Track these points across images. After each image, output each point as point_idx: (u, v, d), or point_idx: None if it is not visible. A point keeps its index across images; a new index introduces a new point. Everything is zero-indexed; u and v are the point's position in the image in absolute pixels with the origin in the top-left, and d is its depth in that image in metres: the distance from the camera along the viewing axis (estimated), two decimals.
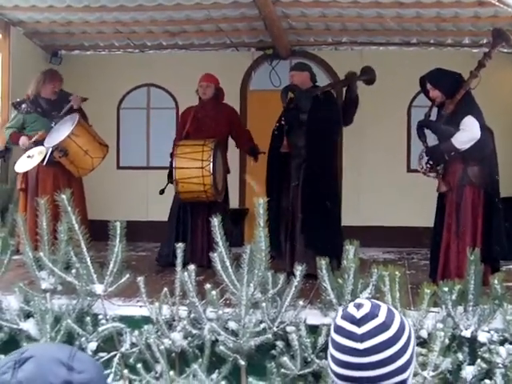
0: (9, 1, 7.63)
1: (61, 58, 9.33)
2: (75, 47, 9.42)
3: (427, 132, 5.95)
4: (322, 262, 4.61)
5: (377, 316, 1.64)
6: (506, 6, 6.03)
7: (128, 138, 9.57)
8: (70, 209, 4.84)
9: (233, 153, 7.61)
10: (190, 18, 8.14)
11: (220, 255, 4.66)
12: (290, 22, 8.22)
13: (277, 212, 6.25)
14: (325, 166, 6.44)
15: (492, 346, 4.49)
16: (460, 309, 4.60)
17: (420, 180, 6.42)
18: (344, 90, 6.94)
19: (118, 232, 4.85)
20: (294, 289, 4.67)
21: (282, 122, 6.51)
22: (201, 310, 4.71)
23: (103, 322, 4.88)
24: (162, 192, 6.81)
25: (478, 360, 4.48)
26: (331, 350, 1.67)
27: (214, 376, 4.60)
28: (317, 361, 4.55)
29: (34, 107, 6.95)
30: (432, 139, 5.95)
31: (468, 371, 4.47)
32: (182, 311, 4.78)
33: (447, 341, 4.38)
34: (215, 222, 4.66)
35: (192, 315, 4.76)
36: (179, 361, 4.75)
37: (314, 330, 4.64)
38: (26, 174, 6.86)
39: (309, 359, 4.58)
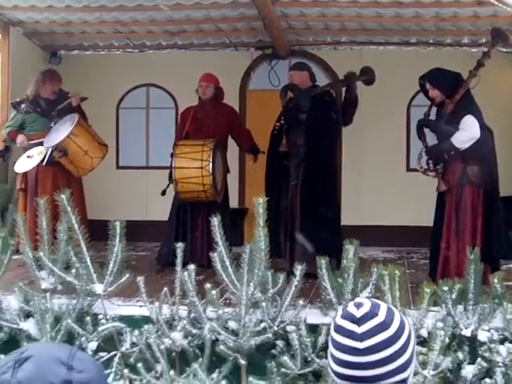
0: (8, 1, 7.63)
1: (60, 58, 9.33)
2: (74, 47, 9.42)
3: (427, 131, 5.96)
4: (322, 262, 4.61)
5: (377, 315, 1.64)
6: (505, 5, 6.04)
7: (127, 137, 9.57)
8: (69, 208, 4.84)
9: (232, 152, 7.62)
10: (189, 17, 8.14)
11: (220, 255, 4.66)
12: (289, 21, 8.22)
13: (276, 211, 6.25)
14: (324, 165, 6.44)
15: (492, 345, 4.49)
16: (460, 308, 4.60)
17: (419, 179, 6.42)
18: (343, 90, 6.95)
19: (118, 232, 4.85)
20: (293, 288, 4.67)
21: (282, 122, 6.51)
22: (201, 310, 4.71)
23: (103, 321, 4.88)
24: (163, 193, 6.81)
25: (479, 359, 4.48)
26: (331, 349, 1.67)
27: (215, 375, 4.60)
28: (317, 360, 4.55)
29: (33, 107, 6.95)
30: (431, 138, 5.95)
31: (468, 370, 4.47)
32: (182, 311, 4.78)
33: (447, 340, 4.38)
34: (215, 221, 4.67)
35: (192, 315, 4.77)
36: (179, 360, 4.75)
37: (314, 329, 4.64)
38: (25, 174, 6.86)
39: (309, 358, 4.58)
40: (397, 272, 4.42)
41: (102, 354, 4.80)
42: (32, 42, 8.99)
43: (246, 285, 4.62)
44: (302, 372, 4.57)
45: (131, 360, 4.76)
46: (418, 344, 4.25)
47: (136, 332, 4.76)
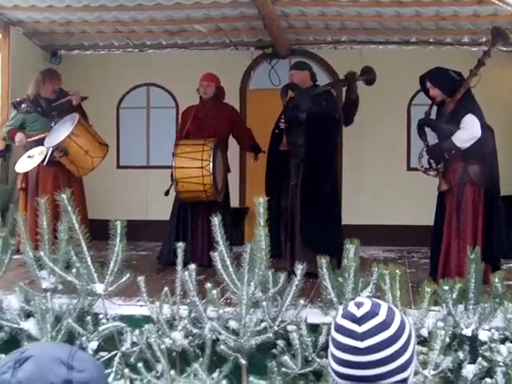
0: (8, 0, 7.63)
1: (60, 58, 9.33)
2: (75, 47, 9.42)
3: (427, 131, 5.95)
4: (323, 261, 4.61)
5: (377, 314, 1.64)
6: (505, 4, 6.04)
7: (128, 137, 9.57)
8: (70, 208, 4.84)
9: (233, 152, 7.62)
10: (189, 17, 8.14)
11: (220, 254, 4.66)
12: (289, 20, 8.22)
13: (277, 211, 6.25)
14: (324, 164, 6.44)
15: (493, 345, 4.49)
16: (461, 307, 4.60)
17: (420, 178, 6.42)
18: (344, 90, 6.94)
19: (119, 231, 4.85)
20: (294, 288, 4.66)
21: (282, 121, 6.51)
22: (201, 309, 4.71)
23: (104, 321, 4.88)
24: (167, 193, 6.80)
25: (479, 358, 4.48)
26: (332, 348, 1.67)
27: (215, 375, 4.60)
28: (317, 360, 4.55)
29: (33, 107, 6.95)
30: (432, 138, 5.95)
31: (469, 370, 4.47)
32: (183, 310, 4.78)
33: (448, 339, 4.37)
34: (215, 221, 4.67)
35: (193, 314, 4.77)
36: (180, 360, 4.75)
37: (314, 328, 4.64)
38: (26, 174, 6.86)
39: (309, 358, 4.58)
40: (397, 271, 4.42)
41: (102, 353, 4.80)
42: (32, 42, 9.00)
43: (247, 284, 4.62)
44: (302, 372, 4.57)
45: (132, 360, 4.76)
46: (418, 343, 4.25)
47: (136, 332, 4.76)
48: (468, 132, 5.61)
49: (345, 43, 9.02)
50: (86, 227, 4.99)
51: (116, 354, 4.80)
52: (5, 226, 6.61)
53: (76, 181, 6.89)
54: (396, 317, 1.66)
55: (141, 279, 4.78)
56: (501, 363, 4.43)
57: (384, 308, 1.66)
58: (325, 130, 6.38)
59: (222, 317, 4.68)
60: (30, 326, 4.83)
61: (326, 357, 3.91)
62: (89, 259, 4.88)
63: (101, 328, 4.81)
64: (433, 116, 5.98)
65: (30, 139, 6.79)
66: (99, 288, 4.87)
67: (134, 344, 4.79)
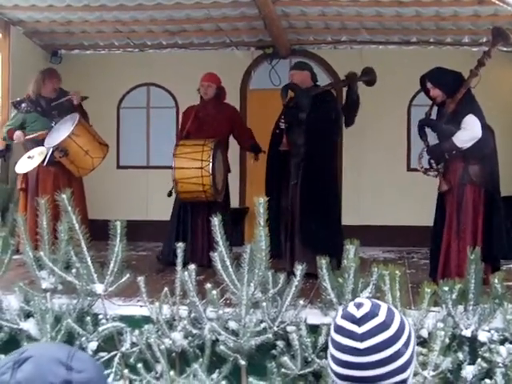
0: (9, 0, 7.63)
1: (61, 58, 9.33)
2: (75, 46, 9.42)
3: (428, 131, 5.95)
4: (323, 262, 4.61)
5: (377, 315, 1.64)
6: (505, 4, 6.03)
7: (128, 137, 9.57)
8: (70, 208, 4.84)
9: (233, 152, 7.61)
10: (189, 17, 8.14)
11: (220, 255, 4.66)
12: (289, 20, 8.22)
13: (277, 211, 6.25)
14: (324, 164, 6.44)
15: (492, 346, 4.49)
16: (460, 308, 4.59)
17: (420, 179, 6.42)
18: (345, 90, 6.93)
19: (119, 231, 4.85)
20: (294, 288, 4.66)
21: (282, 121, 6.52)
22: (201, 310, 4.71)
23: (103, 321, 4.88)
24: (169, 194, 6.80)
25: (479, 359, 4.48)
26: (331, 349, 1.67)
27: (215, 376, 4.60)
28: (317, 360, 4.55)
29: (33, 106, 6.95)
30: (433, 138, 5.95)
31: (468, 371, 4.47)
32: (183, 311, 4.78)
33: (447, 340, 4.37)
34: (215, 221, 4.66)
35: (192, 315, 4.76)
36: (180, 360, 4.75)
37: (314, 329, 4.64)
38: (26, 174, 6.86)
39: (309, 359, 4.58)
40: (397, 272, 4.42)
41: (102, 354, 4.80)
42: (32, 42, 9.00)
43: (247, 285, 4.62)
44: (302, 372, 4.56)
45: (131, 360, 4.76)
46: (418, 344, 4.25)
47: (136, 332, 4.76)
48: (469, 132, 5.61)
49: (345, 43, 9.02)
50: (85, 227, 4.99)
51: (116, 355, 4.80)
52: (5, 226, 6.61)
53: (76, 181, 6.89)
54: (396, 317, 1.66)
55: (140, 279, 4.78)
56: (500, 364, 4.43)
57: (384, 309, 1.66)
58: (325, 130, 6.38)
59: (221, 317, 4.68)
60: (29, 326, 4.83)
61: (326, 357, 3.90)
62: (89, 259, 4.88)
63: (100, 328, 4.81)
64: (433, 116, 5.98)
65: (28, 137, 6.80)
66: (99, 288, 4.87)
67: (133, 344, 4.78)
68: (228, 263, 4.65)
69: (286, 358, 4.55)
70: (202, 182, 6.55)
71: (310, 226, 6.26)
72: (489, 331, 4.55)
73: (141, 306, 4.93)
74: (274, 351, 4.67)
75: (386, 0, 7.20)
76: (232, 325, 4.66)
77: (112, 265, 4.86)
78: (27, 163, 6.69)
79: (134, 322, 4.87)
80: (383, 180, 9.01)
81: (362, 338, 1.62)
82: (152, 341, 4.66)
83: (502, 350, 4.46)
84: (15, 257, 5.36)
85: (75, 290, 4.97)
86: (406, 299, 4.59)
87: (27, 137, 6.79)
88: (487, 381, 4.44)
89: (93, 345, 4.77)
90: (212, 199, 6.68)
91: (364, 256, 6.58)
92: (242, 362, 4.60)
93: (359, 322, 1.63)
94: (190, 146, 6.72)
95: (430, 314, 4.54)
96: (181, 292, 4.76)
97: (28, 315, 4.91)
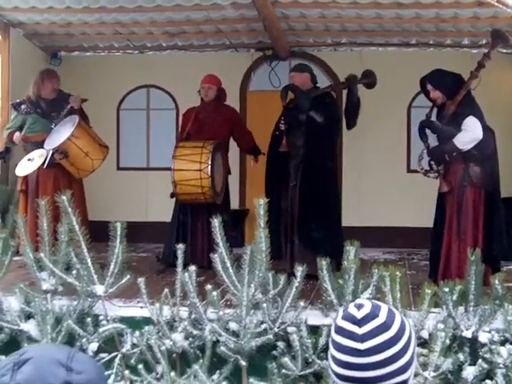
0: (8, 2, 7.64)
1: (60, 59, 9.33)
2: (75, 48, 9.42)
3: (428, 132, 5.96)
4: (323, 263, 4.61)
5: (377, 316, 1.64)
6: (505, 6, 6.03)
7: (128, 139, 9.57)
8: (70, 210, 4.84)
9: (233, 154, 7.61)
10: (189, 18, 8.14)
11: (221, 256, 4.66)
12: (289, 22, 8.22)
13: (277, 213, 6.24)
14: (323, 166, 6.43)
15: (493, 347, 4.49)
16: (461, 309, 4.60)
17: (420, 180, 6.42)
18: (345, 93, 6.93)
19: (119, 233, 4.85)
20: (294, 289, 4.67)
21: (282, 122, 6.52)
22: (202, 311, 4.71)
23: (104, 322, 4.88)
24: (172, 195, 6.80)
25: (479, 360, 4.48)
26: (332, 350, 1.67)
27: (215, 377, 4.60)
28: (318, 361, 4.55)
29: (33, 108, 6.95)
30: (433, 140, 5.95)
31: (469, 372, 4.47)
32: (183, 312, 4.78)
33: (448, 341, 4.37)
34: (215, 222, 4.67)
35: (193, 316, 4.77)
36: (180, 361, 4.75)
37: (314, 330, 4.64)
38: (26, 176, 6.86)
39: (310, 360, 4.58)
40: (397, 273, 4.42)
41: (102, 355, 4.80)
42: (32, 44, 9.00)
43: (247, 286, 4.62)
44: (302, 373, 4.57)
45: (132, 361, 4.77)
46: (418, 345, 4.25)
47: (137, 333, 4.77)
48: (469, 134, 5.62)
49: (345, 45, 9.02)
50: (86, 229, 4.99)
51: (116, 356, 4.80)
52: (5, 227, 6.62)
53: (76, 182, 6.89)
54: (396, 318, 1.66)
55: (141, 281, 4.78)
56: (501, 365, 4.43)
57: (384, 310, 1.66)
58: (324, 132, 6.39)
59: (222, 318, 4.68)
60: (30, 327, 4.83)
61: (327, 358, 3.89)
62: (89, 261, 4.88)
63: (101, 329, 4.81)
64: (433, 118, 5.99)
65: (22, 134, 6.81)
66: (99, 289, 4.87)
67: (134, 345, 4.79)
68: (228, 264, 4.65)
69: (286, 359, 4.55)
70: (200, 184, 6.55)
71: (309, 228, 6.26)
72: (489, 332, 4.55)
73: (141, 307, 4.93)
74: (274, 352, 4.68)
75: (385, 2, 7.20)
76: (232, 326, 4.66)
77: (112, 266, 4.86)
78: (27, 166, 6.69)
79: (135, 323, 4.88)
80: (383, 181, 9.01)
81: (362, 338, 1.62)
82: (152, 342, 4.67)
83: (503, 350, 4.46)
84: (15, 258, 5.36)
85: (76, 292, 4.97)
86: (407, 300, 4.59)
87: (28, 139, 6.80)
88: (488, 382, 4.44)
89: (93, 346, 4.77)
90: (211, 201, 6.68)
91: (364, 257, 6.58)
92: (243, 363, 4.60)
93: (360, 322, 1.63)
94: (189, 147, 6.72)
95: (431, 315, 4.55)
96: (181, 293, 4.76)
97: (28, 316, 4.91)
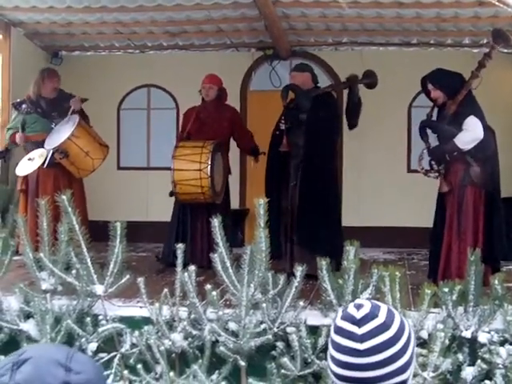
0: (9, 1, 7.64)
1: (61, 59, 9.34)
2: (75, 48, 9.42)
3: (429, 132, 5.95)
4: (323, 263, 4.61)
5: (377, 316, 1.64)
6: (506, 6, 6.03)
7: (128, 138, 9.58)
8: (70, 209, 4.84)
9: (233, 154, 7.61)
10: (190, 18, 8.14)
11: (220, 256, 4.66)
12: (290, 22, 8.22)
13: (277, 212, 6.24)
14: (323, 165, 6.43)
15: (492, 347, 4.49)
16: (460, 309, 4.59)
17: (420, 180, 6.42)
18: (346, 93, 6.93)
19: (119, 232, 4.85)
20: (294, 289, 4.66)
21: (282, 121, 6.52)
22: (201, 311, 4.71)
23: (103, 322, 4.88)
24: (171, 194, 6.81)
25: (479, 361, 4.48)
26: (331, 350, 1.67)
27: (214, 377, 4.60)
28: (317, 361, 4.55)
29: (34, 108, 6.95)
30: (434, 139, 5.95)
31: (468, 372, 4.47)
32: (183, 312, 4.78)
33: (447, 341, 4.37)
34: (215, 222, 4.66)
35: (192, 316, 4.76)
36: (179, 361, 4.75)
37: (314, 330, 4.64)
38: (26, 176, 6.85)
39: (309, 360, 4.57)
40: (397, 273, 4.41)
41: (101, 354, 4.80)
42: (33, 43, 9.00)
43: (247, 286, 4.61)
44: (301, 373, 4.56)
45: (131, 361, 4.76)
46: (417, 345, 4.25)
47: (136, 333, 4.76)
48: (470, 134, 5.62)
49: (345, 45, 9.02)
50: (86, 228, 4.99)
51: (115, 356, 4.80)
52: (5, 227, 6.61)
53: (76, 182, 6.89)
54: (395, 319, 1.66)
55: (140, 280, 4.78)
56: (500, 365, 4.43)
57: (384, 310, 1.66)
58: (324, 131, 6.38)
59: (221, 318, 4.68)
60: (29, 327, 4.83)
61: (326, 359, 3.89)
62: (89, 260, 4.88)
63: (100, 329, 4.81)
64: (434, 118, 5.98)
65: (22, 135, 6.81)
66: (99, 289, 4.87)
67: (133, 345, 4.79)
68: (228, 264, 4.65)
69: (285, 359, 4.55)
70: (200, 184, 6.55)
71: (308, 227, 6.26)
72: (489, 332, 4.55)
73: (141, 307, 4.93)
74: (273, 352, 4.67)
75: (386, 1, 7.20)
76: (232, 326, 4.66)
77: (112, 266, 4.86)
78: (28, 165, 6.68)
79: (134, 323, 4.88)
80: (383, 181, 9.01)
81: (361, 339, 1.61)
82: (152, 342, 4.67)
83: (502, 351, 4.45)
84: (15, 258, 5.36)
85: (75, 291, 4.97)
86: (406, 300, 4.59)
87: (28, 138, 6.81)
88: (487, 382, 4.44)
89: (92, 346, 4.77)
90: (211, 201, 6.68)
91: (364, 257, 6.58)
92: (242, 363, 4.60)
93: (359, 323, 1.63)
94: (189, 147, 6.72)
95: (430, 316, 4.54)
96: (181, 293, 4.76)
97: (28, 316, 4.91)
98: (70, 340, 4.73)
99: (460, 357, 4.47)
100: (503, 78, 8.80)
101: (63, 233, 4.87)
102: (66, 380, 1.31)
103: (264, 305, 4.64)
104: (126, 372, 4.78)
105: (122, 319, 4.90)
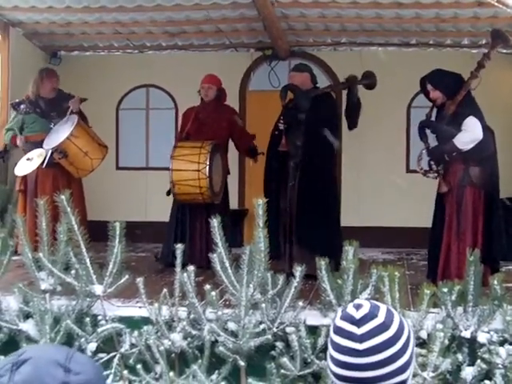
0: (8, 1, 7.63)
1: (60, 59, 9.33)
2: (74, 48, 9.41)
3: (428, 132, 5.95)
4: (322, 263, 4.61)
5: (376, 316, 1.64)
6: (505, 6, 6.03)
7: (127, 138, 9.57)
8: (69, 209, 4.84)
9: (232, 154, 7.60)
10: (189, 18, 8.14)
11: (219, 256, 4.65)
12: (289, 22, 8.22)
13: (276, 212, 6.24)
14: (322, 166, 6.43)
15: (492, 347, 4.49)
16: (460, 309, 4.59)
17: (419, 180, 6.42)
18: (345, 93, 6.92)
19: (118, 232, 4.85)
20: (293, 289, 4.66)
21: (281, 121, 6.52)
22: (200, 311, 4.71)
23: (103, 322, 4.88)
24: (168, 193, 6.81)
25: (478, 361, 4.48)
26: (331, 350, 1.66)
27: (214, 377, 4.60)
28: (316, 361, 4.55)
29: (32, 108, 6.94)
30: (433, 140, 5.95)
31: (468, 372, 4.47)
32: (182, 312, 4.78)
33: (447, 341, 4.37)
34: (214, 222, 4.66)
35: (191, 316, 4.76)
36: (179, 361, 4.74)
37: (313, 330, 4.64)
38: (25, 176, 6.85)
39: (308, 360, 4.57)
40: (396, 273, 4.41)
41: (101, 355, 4.79)
42: (32, 43, 8.99)
43: (246, 286, 4.61)
44: (301, 373, 4.56)
45: (130, 361, 4.76)
46: (417, 345, 4.24)
47: (135, 333, 4.76)
48: (470, 134, 5.62)
49: (344, 45, 9.02)
50: (85, 228, 4.99)
51: (115, 356, 4.80)
52: (4, 227, 6.61)
53: (75, 182, 6.88)
54: (395, 319, 1.66)
55: (140, 280, 4.78)
56: (500, 365, 4.43)
57: (383, 310, 1.66)
58: (324, 131, 6.38)
59: (220, 318, 4.68)
60: (28, 327, 4.83)
61: (325, 359, 3.91)
62: (88, 260, 4.87)
63: (100, 329, 4.81)
64: (433, 118, 5.98)
65: (27, 140, 6.81)
66: (98, 289, 4.87)
67: (132, 345, 4.78)
68: (227, 264, 4.65)
69: (285, 359, 4.55)
70: (198, 185, 6.55)
71: (307, 227, 6.26)
72: (488, 332, 4.55)
73: (140, 307, 4.93)
74: (273, 352, 4.67)
75: (385, 2, 7.20)
76: (231, 326, 4.66)
77: (111, 266, 4.86)
78: (26, 165, 6.68)
79: (133, 323, 4.87)
80: (383, 181, 9.01)
81: (361, 339, 1.61)
82: (151, 342, 4.66)
83: (502, 351, 4.46)
84: (14, 258, 5.36)
85: (74, 291, 4.96)
86: (406, 300, 4.59)
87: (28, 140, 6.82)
88: (487, 382, 4.44)
89: (92, 346, 4.77)
90: (209, 201, 6.68)
91: (363, 257, 6.59)
92: (242, 363, 4.60)
93: (358, 323, 1.63)
94: (187, 148, 6.71)
95: (430, 316, 4.54)
96: (180, 293, 4.76)
97: (27, 316, 4.91)
98: (69, 340, 4.73)
99: (459, 357, 4.47)
100: (502, 79, 8.80)
101: (62, 233, 4.87)
102: (65, 381, 1.31)
103: (263, 305, 4.64)
104: (125, 372, 4.78)
105: (122, 319, 4.90)
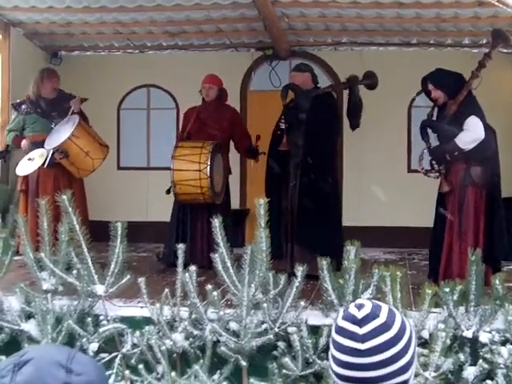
0: (8, 1, 7.64)
1: (61, 59, 9.33)
2: (75, 48, 9.42)
3: (429, 132, 5.95)
4: (323, 263, 4.61)
5: (378, 316, 1.64)
6: (505, 6, 6.03)
7: (128, 138, 9.57)
8: (70, 209, 4.84)
9: (233, 153, 7.61)
10: (189, 18, 8.14)
11: (221, 256, 4.65)
12: (289, 22, 8.21)
13: (277, 212, 6.24)
14: (323, 165, 6.43)
15: (493, 347, 4.49)
16: (461, 309, 4.59)
17: (420, 180, 6.41)
18: (345, 93, 6.92)
19: (119, 232, 4.85)
20: (295, 289, 4.66)
21: (282, 121, 6.52)
22: (202, 311, 4.71)
23: (104, 322, 4.88)
24: (168, 192, 6.81)
25: (480, 360, 4.47)
26: (332, 350, 1.66)
27: (216, 377, 4.60)
28: (318, 361, 4.55)
29: (33, 108, 6.95)
30: (434, 139, 5.95)
31: (469, 372, 4.46)
32: (183, 312, 4.78)
33: (449, 341, 4.37)
34: (216, 222, 4.66)
35: (193, 316, 4.76)
36: (180, 361, 4.74)
37: (315, 330, 4.64)
38: (26, 176, 6.86)
39: (310, 360, 4.57)
40: (398, 273, 4.41)
41: (103, 355, 4.79)
42: (32, 43, 8.99)
43: (247, 286, 4.61)
44: (303, 373, 4.56)
45: (132, 361, 4.76)
46: (419, 345, 4.24)
47: (137, 333, 4.76)
48: (471, 134, 5.62)
49: (345, 45, 9.02)
50: (86, 228, 4.99)
51: (116, 356, 4.80)
52: (5, 227, 6.60)
53: (77, 182, 6.89)
54: (397, 319, 1.66)
55: (141, 280, 4.78)
56: (501, 365, 4.43)
57: (385, 310, 1.66)
58: (324, 131, 6.38)
59: (222, 318, 4.68)
60: (30, 327, 4.83)
61: (327, 359, 3.90)
62: (89, 260, 4.88)
63: (101, 329, 4.81)
64: (434, 118, 5.98)
65: (31, 140, 6.81)
66: (100, 289, 4.87)
67: (134, 345, 4.78)
68: (229, 264, 4.65)
69: (287, 359, 4.55)
70: (200, 185, 6.55)
71: (307, 227, 6.26)
72: (490, 332, 4.54)
73: (141, 307, 4.93)
74: (275, 352, 4.67)
75: (386, 2, 7.19)
76: (233, 326, 4.66)
77: (113, 266, 4.86)
78: (28, 165, 6.69)
79: (135, 323, 4.87)
80: (384, 181, 9.00)
81: (363, 339, 1.62)
82: (153, 342, 4.66)
83: (504, 350, 4.45)
84: (16, 258, 5.36)
85: (76, 291, 4.97)
86: (407, 300, 4.59)
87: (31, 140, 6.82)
88: (488, 382, 4.44)
89: (94, 346, 4.77)
90: (210, 201, 6.68)
91: (365, 257, 6.57)
92: (243, 363, 4.60)
93: (360, 323, 1.63)
94: (188, 148, 6.72)
95: (431, 315, 4.54)
96: (182, 293, 4.75)
97: (29, 316, 4.91)
98: (71, 340, 4.73)
99: (461, 357, 4.47)
100: (503, 78, 8.80)
101: (64, 233, 4.87)
102: (67, 381, 1.31)
103: (265, 305, 4.64)
104: (127, 372, 4.78)
105: (123, 319, 4.90)
